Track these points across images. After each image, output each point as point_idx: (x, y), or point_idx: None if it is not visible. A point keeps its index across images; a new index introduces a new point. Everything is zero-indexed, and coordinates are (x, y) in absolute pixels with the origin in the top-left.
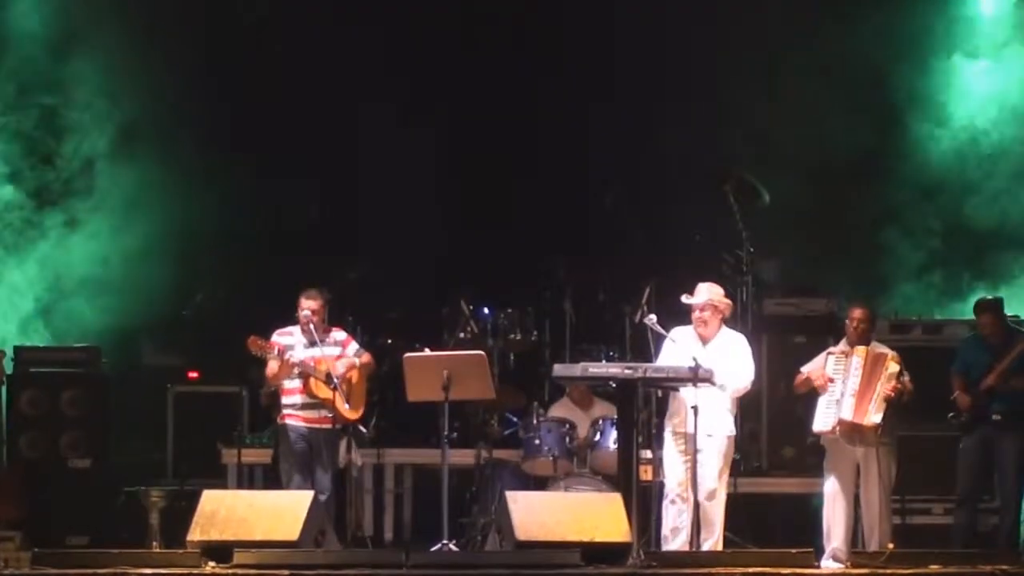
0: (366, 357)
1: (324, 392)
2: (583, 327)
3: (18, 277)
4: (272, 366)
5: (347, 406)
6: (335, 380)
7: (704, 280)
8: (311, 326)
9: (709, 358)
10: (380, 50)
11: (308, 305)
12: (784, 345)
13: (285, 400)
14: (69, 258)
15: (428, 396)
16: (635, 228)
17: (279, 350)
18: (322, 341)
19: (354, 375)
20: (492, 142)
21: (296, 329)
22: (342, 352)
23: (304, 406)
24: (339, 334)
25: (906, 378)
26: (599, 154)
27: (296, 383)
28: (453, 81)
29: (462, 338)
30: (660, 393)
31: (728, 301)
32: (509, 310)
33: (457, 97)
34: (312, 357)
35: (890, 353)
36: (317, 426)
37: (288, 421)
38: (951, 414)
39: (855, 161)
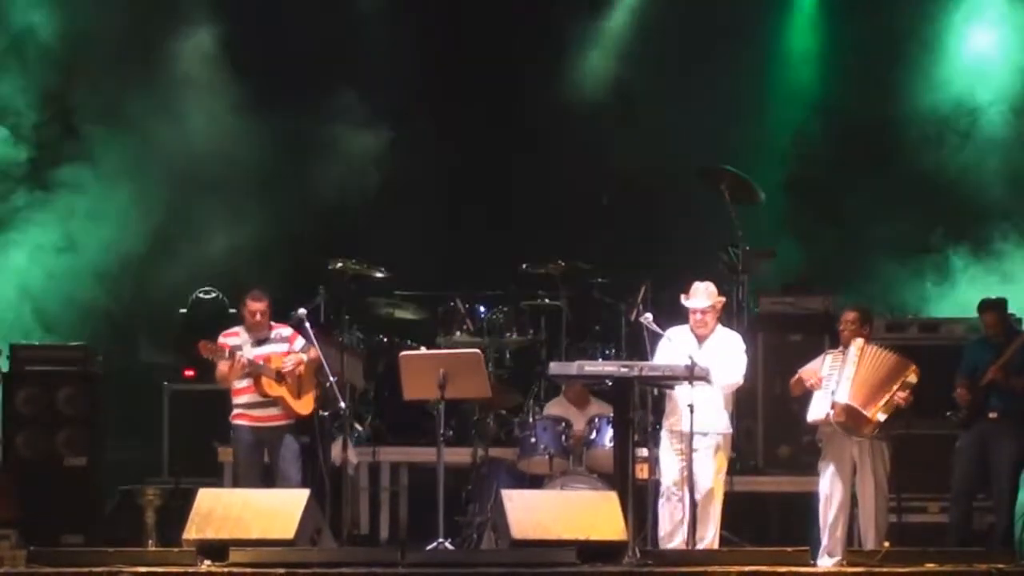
0: (313, 352)
1: (276, 390)
2: (579, 325)
3: None
4: (222, 368)
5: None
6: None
7: (698, 278)
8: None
9: (705, 356)
10: (378, 44)
11: (256, 307)
12: (780, 343)
13: (236, 400)
14: None
15: (424, 395)
16: (631, 226)
17: (229, 351)
18: (269, 339)
19: (302, 370)
20: (490, 139)
21: (242, 329)
22: (289, 348)
23: (254, 404)
24: (284, 330)
25: None
26: (596, 152)
27: (246, 382)
28: (451, 78)
29: (458, 337)
30: (656, 392)
31: (722, 298)
32: (505, 308)
33: (455, 94)
34: (260, 355)
35: (913, 364)
36: (267, 424)
37: (239, 421)
38: (949, 412)
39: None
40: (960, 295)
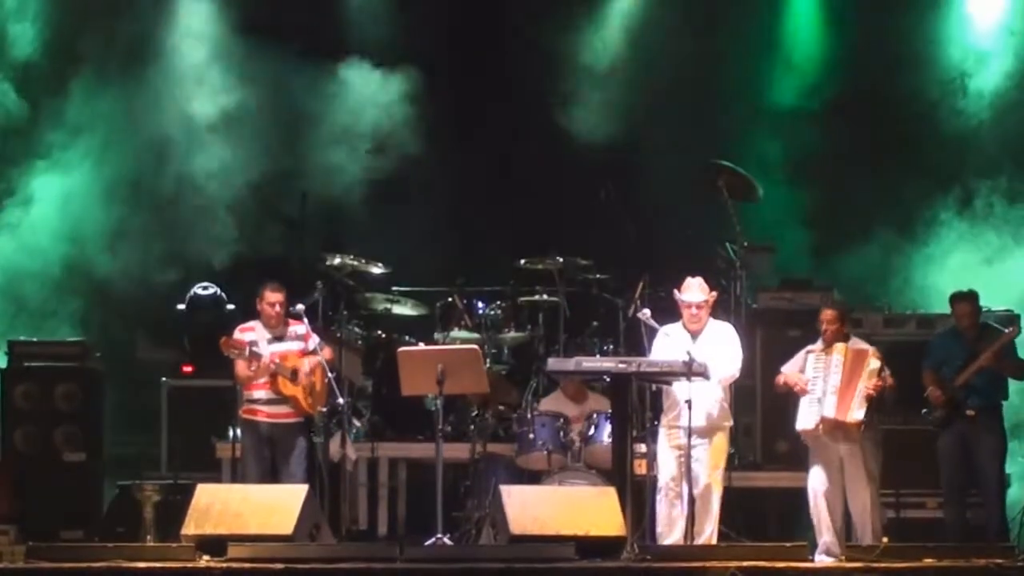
0: (327, 352)
1: (290, 389)
2: (577, 321)
3: None
4: (241, 365)
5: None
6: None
7: (693, 274)
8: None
9: (700, 351)
10: (380, 42)
11: (274, 298)
12: (778, 339)
13: (248, 395)
14: None
15: (423, 390)
16: (629, 222)
17: (251, 349)
18: (285, 336)
19: (318, 373)
20: (489, 136)
21: (258, 324)
22: (303, 346)
23: (266, 401)
24: (299, 328)
25: (887, 373)
26: (595, 148)
27: (261, 379)
28: (449, 74)
29: (456, 332)
30: (654, 387)
31: (715, 293)
32: (503, 304)
33: (454, 90)
34: (276, 353)
35: (871, 349)
36: (279, 421)
37: (250, 416)
38: (924, 410)
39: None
40: (952, 264)
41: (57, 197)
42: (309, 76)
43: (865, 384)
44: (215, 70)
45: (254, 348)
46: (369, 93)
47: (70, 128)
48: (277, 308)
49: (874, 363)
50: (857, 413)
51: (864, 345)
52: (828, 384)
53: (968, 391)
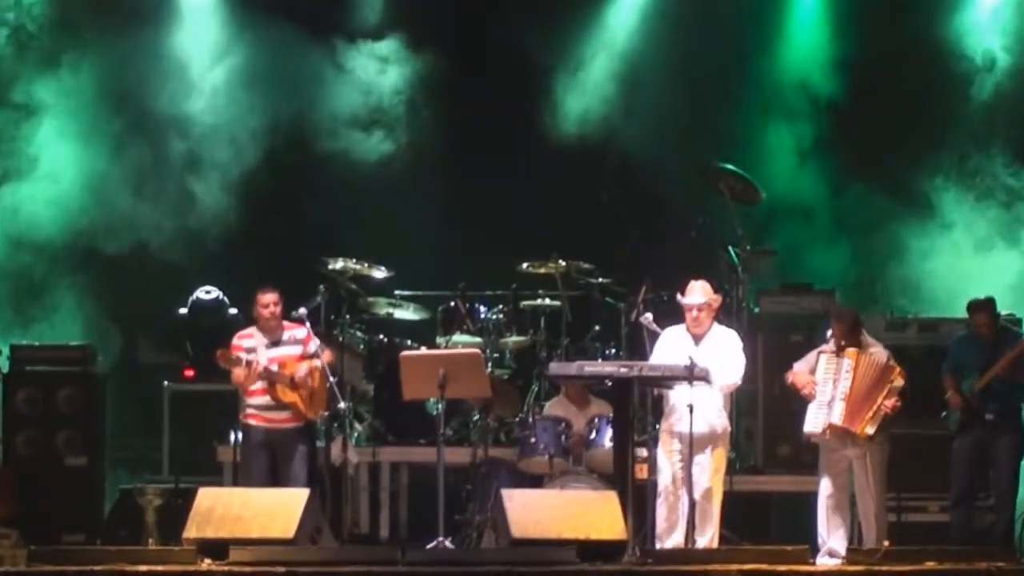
0: (327, 355)
1: (289, 396)
2: (579, 325)
3: None
4: (238, 373)
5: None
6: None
7: (696, 278)
8: (271, 323)
9: (702, 355)
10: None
11: (267, 299)
12: (780, 343)
13: (249, 401)
14: None
15: (424, 394)
16: (631, 225)
17: (246, 359)
18: (282, 341)
19: (315, 376)
20: (491, 138)
21: (256, 330)
22: (303, 350)
23: (266, 407)
24: (298, 332)
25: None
26: (597, 150)
27: (260, 385)
28: (450, 75)
29: (458, 337)
30: (656, 392)
31: (718, 297)
32: (505, 308)
33: (455, 90)
34: (274, 358)
35: (897, 367)
36: (279, 426)
37: (250, 422)
38: (944, 413)
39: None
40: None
41: (56, 180)
42: (310, 64)
43: (886, 401)
44: (212, 52)
45: (247, 355)
46: (371, 87)
47: (67, 101)
48: (271, 308)
49: (899, 381)
50: (870, 428)
51: (882, 351)
52: (838, 390)
53: (987, 395)
